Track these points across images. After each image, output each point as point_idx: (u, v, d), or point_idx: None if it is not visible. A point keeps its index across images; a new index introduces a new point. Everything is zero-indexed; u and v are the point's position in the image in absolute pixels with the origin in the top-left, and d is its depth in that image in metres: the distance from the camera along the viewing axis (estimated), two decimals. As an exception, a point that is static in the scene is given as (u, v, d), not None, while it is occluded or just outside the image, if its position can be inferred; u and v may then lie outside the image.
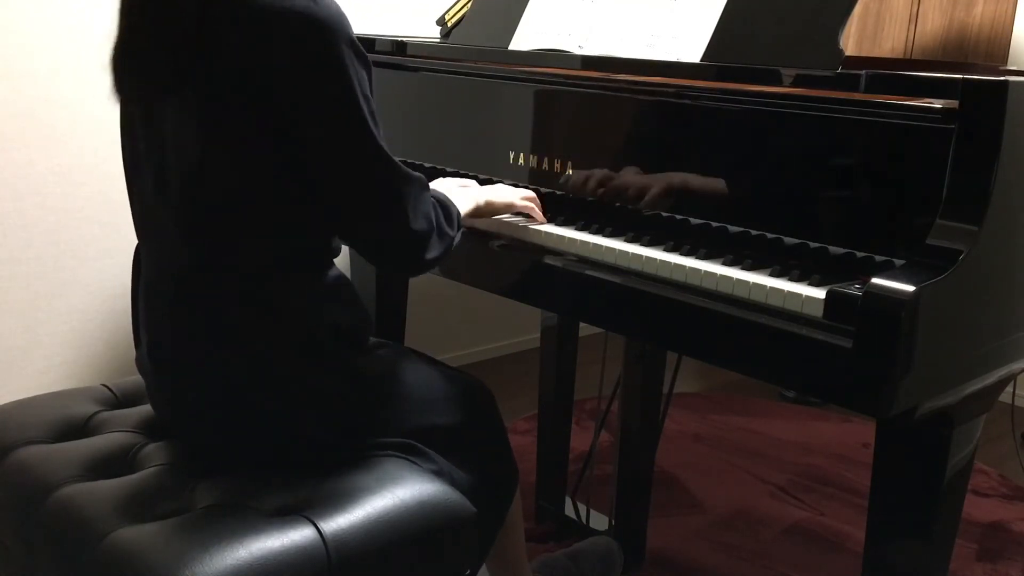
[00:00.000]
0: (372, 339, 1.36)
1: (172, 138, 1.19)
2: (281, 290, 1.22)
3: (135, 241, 1.34)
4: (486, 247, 1.55)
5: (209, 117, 1.16)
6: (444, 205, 1.32)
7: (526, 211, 1.52)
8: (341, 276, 1.30)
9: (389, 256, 1.30)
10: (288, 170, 1.19)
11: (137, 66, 1.18)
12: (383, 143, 1.22)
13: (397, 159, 1.24)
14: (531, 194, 1.54)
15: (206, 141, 1.17)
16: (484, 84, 1.70)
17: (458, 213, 1.36)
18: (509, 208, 1.52)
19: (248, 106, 1.15)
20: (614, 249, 1.36)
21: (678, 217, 1.42)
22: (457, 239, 1.35)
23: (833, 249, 1.25)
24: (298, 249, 1.24)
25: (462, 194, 1.45)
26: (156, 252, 1.26)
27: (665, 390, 1.99)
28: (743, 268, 1.27)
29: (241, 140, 1.17)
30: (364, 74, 1.19)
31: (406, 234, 1.24)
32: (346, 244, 1.29)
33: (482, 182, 1.60)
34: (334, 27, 1.14)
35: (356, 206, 1.23)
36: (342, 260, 1.35)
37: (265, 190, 1.19)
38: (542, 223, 1.51)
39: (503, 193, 1.52)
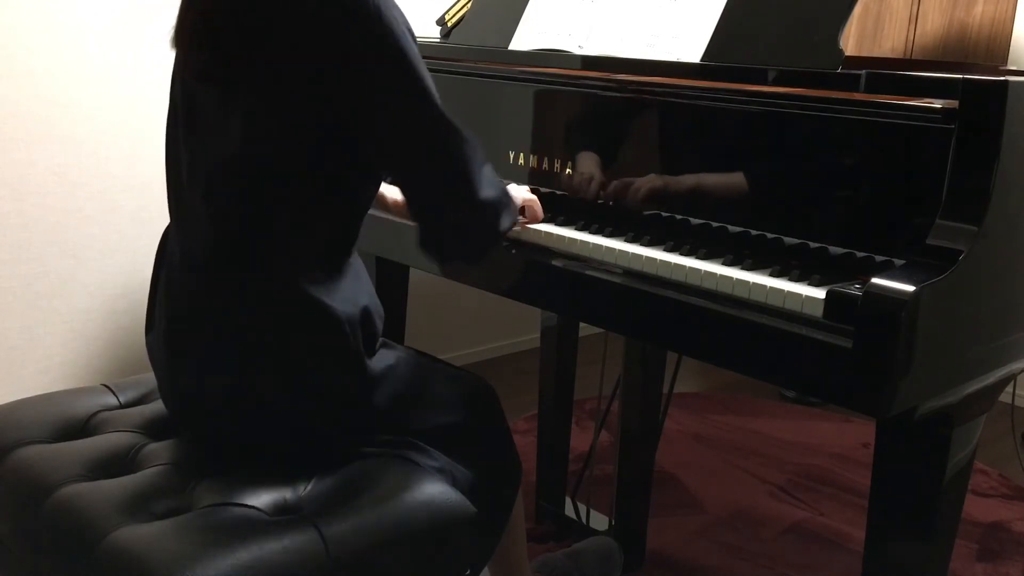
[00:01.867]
0: (381, 340, 1.36)
1: (216, 124, 1.19)
2: (306, 279, 1.21)
3: (135, 240, 1.35)
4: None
5: (259, 104, 1.17)
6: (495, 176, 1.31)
7: (530, 214, 1.52)
8: (359, 270, 1.30)
9: (460, 234, 1.26)
10: (332, 159, 1.19)
11: (209, 42, 1.19)
12: (444, 110, 1.20)
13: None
14: (534, 198, 1.54)
15: (252, 127, 1.17)
16: (484, 84, 1.70)
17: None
18: (526, 202, 1.51)
19: (302, 92, 1.16)
20: (614, 249, 1.36)
21: (678, 217, 1.42)
22: (518, 209, 1.32)
23: (833, 249, 1.25)
24: (325, 241, 1.24)
25: None
26: (185, 236, 1.26)
27: (665, 390, 1.99)
28: (743, 268, 1.27)
29: (289, 127, 1.17)
30: (412, 41, 1.19)
31: (476, 203, 1.22)
32: (421, 241, 1.25)
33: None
34: (382, 5, 1.15)
35: (422, 176, 1.22)
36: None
37: (303, 179, 1.20)
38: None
39: (517, 191, 1.51)
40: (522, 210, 1.50)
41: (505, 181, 1.58)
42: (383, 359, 1.33)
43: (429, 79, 1.20)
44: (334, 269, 1.25)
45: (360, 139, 1.20)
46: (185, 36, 1.22)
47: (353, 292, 1.26)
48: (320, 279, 1.22)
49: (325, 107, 1.17)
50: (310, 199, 1.21)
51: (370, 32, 1.15)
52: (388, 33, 1.16)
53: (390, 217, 1.54)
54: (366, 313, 1.27)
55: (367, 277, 1.31)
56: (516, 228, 1.47)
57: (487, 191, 1.23)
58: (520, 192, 1.51)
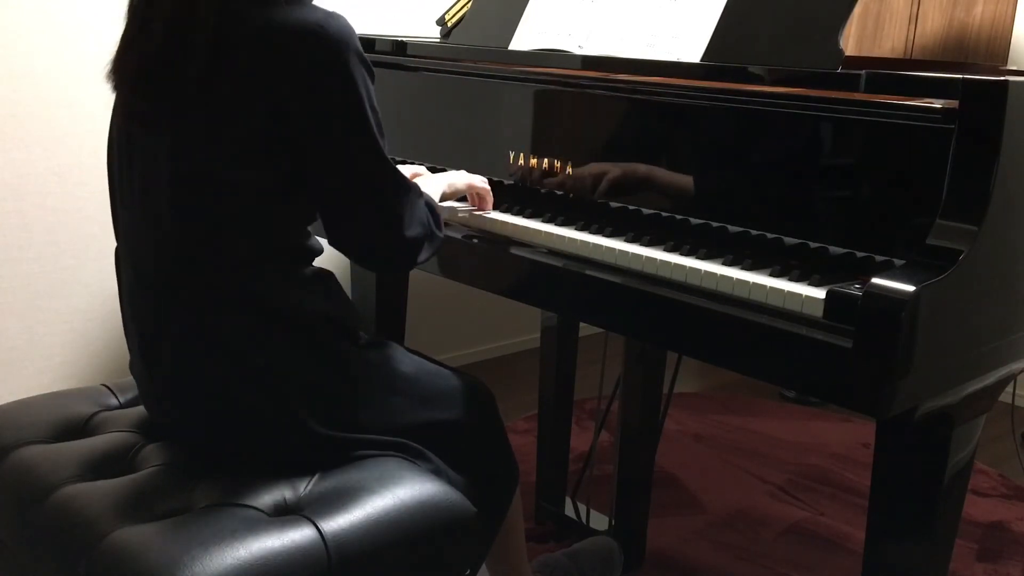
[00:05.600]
0: (370, 337, 1.36)
1: (169, 142, 1.20)
2: (265, 283, 1.22)
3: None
4: (486, 247, 1.55)
5: (215, 126, 1.18)
6: (433, 210, 1.35)
7: (483, 193, 1.57)
8: (322, 269, 1.31)
9: (382, 260, 1.34)
10: (287, 176, 1.21)
11: (152, 86, 1.19)
12: (387, 154, 1.25)
13: (396, 160, 1.26)
14: (484, 179, 1.59)
15: (208, 147, 1.18)
16: (484, 84, 1.70)
17: (440, 213, 1.39)
18: (470, 188, 1.57)
19: (258, 117, 1.17)
20: (614, 249, 1.36)
21: (678, 217, 1.42)
22: (443, 239, 1.38)
23: (833, 249, 1.25)
24: (282, 244, 1.25)
25: (431, 187, 1.48)
26: (136, 255, 1.26)
27: (665, 390, 1.99)
28: (743, 268, 1.27)
29: (245, 148, 1.18)
30: (371, 86, 1.23)
31: (401, 240, 1.27)
32: (337, 247, 1.30)
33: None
34: (346, 41, 1.18)
35: (357, 214, 1.25)
36: (341, 258, 1.35)
37: (260, 193, 1.21)
38: (489, 213, 1.57)
39: (460, 176, 1.57)
40: (480, 199, 1.58)
41: (465, 170, 1.60)
42: (376, 356, 1.33)
43: (377, 126, 1.23)
44: (290, 273, 1.25)
45: (306, 174, 1.22)
46: (125, 76, 1.22)
47: (315, 291, 1.27)
48: (279, 280, 1.23)
49: (278, 134, 1.18)
50: (265, 212, 1.22)
51: (336, 82, 1.18)
52: (352, 85, 1.19)
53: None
54: (332, 307, 1.28)
55: (333, 278, 1.32)
56: (463, 215, 1.57)
57: (413, 230, 1.28)
58: (467, 178, 1.55)
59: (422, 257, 1.32)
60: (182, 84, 1.16)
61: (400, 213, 1.26)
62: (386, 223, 1.26)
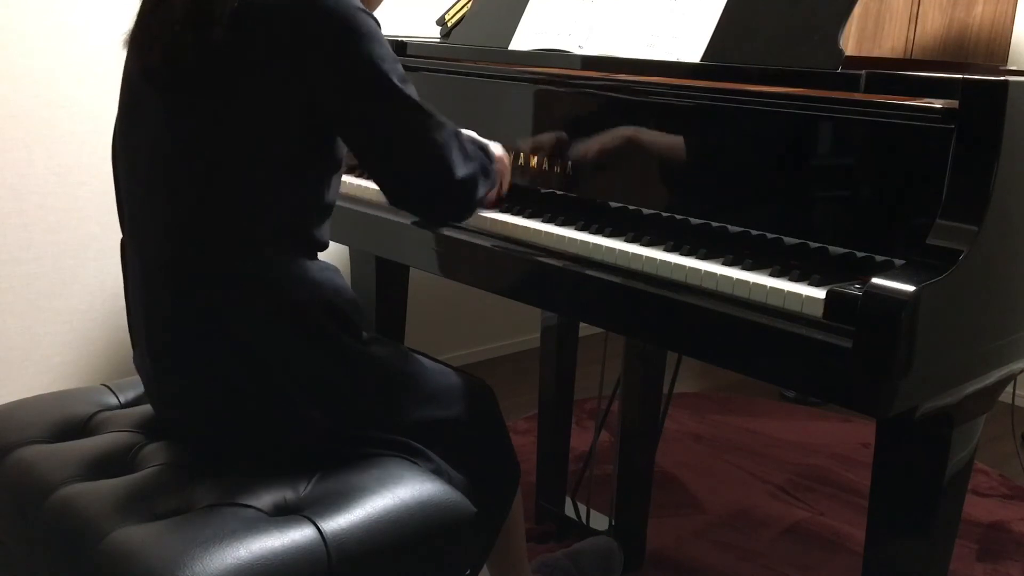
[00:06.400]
0: (372, 335, 1.36)
1: (177, 127, 1.20)
2: (273, 273, 1.22)
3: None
4: (485, 247, 1.55)
5: (224, 104, 1.18)
6: (475, 141, 1.35)
7: (503, 170, 1.54)
8: (328, 263, 1.31)
9: (442, 207, 1.34)
10: (305, 147, 1.22)
11: (175, 52, 1.19)
12: (415, 97, 1.25)
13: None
14: (505, 165, 1.56)
15: (218, 128, 1.18)
16: (484, 84, 1.70)
17: (487, 145, 1.40)
18: (500, 160, 1.53)
19: (277, 81, 1.18)
20: (614, 249, 1.36)
21: (678, 217, 1.42)
22: (496, 171, 1.38)
23: (833, 249, 1.25)
24: (290, 232, 1.24)
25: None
26: (145, 245, 1.26)
27: (665, 390, 1.99)
28: (743, 268, 1.26)
29: (264, 115, 1.19)
30: (381, 34, 1.24)
31: (454, 184, 1.28)
32: (399, 206, 1.33)
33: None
34: (353, 16, 1.20)
35: (401, 163, 1.26)
36: (342, 256, 1.35)
37: (273, 169, 1.20)
38: (489, 213, 1.54)
39: (496, 147, 1.55)
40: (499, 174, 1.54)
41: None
42: (378, 353, 1.33)
43: (400, 77, 1.24)
44: (297, 263, 1.25)
45: (336, 139, 1.24)
46: (145, 43, 1.22)
47: (322, 283, 1.27)
48: (285, 270, 1.23)
49: (291, 103, 1.19)
50: (268, 195, 1.22)
51: (342, 32, 1.19)
52: (356, 29, 1.20)
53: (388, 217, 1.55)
54: (338, 301, 1.28)
55: (339, 273, 1.32)
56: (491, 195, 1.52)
57: (463, 169, 1.29)
58: (500, 150, 1.53)
59: (481, 192, 1.33)
60: (205, 50, 1.17)
61: (444, 154, 1.26)
62: (433, 164, 1.26)
